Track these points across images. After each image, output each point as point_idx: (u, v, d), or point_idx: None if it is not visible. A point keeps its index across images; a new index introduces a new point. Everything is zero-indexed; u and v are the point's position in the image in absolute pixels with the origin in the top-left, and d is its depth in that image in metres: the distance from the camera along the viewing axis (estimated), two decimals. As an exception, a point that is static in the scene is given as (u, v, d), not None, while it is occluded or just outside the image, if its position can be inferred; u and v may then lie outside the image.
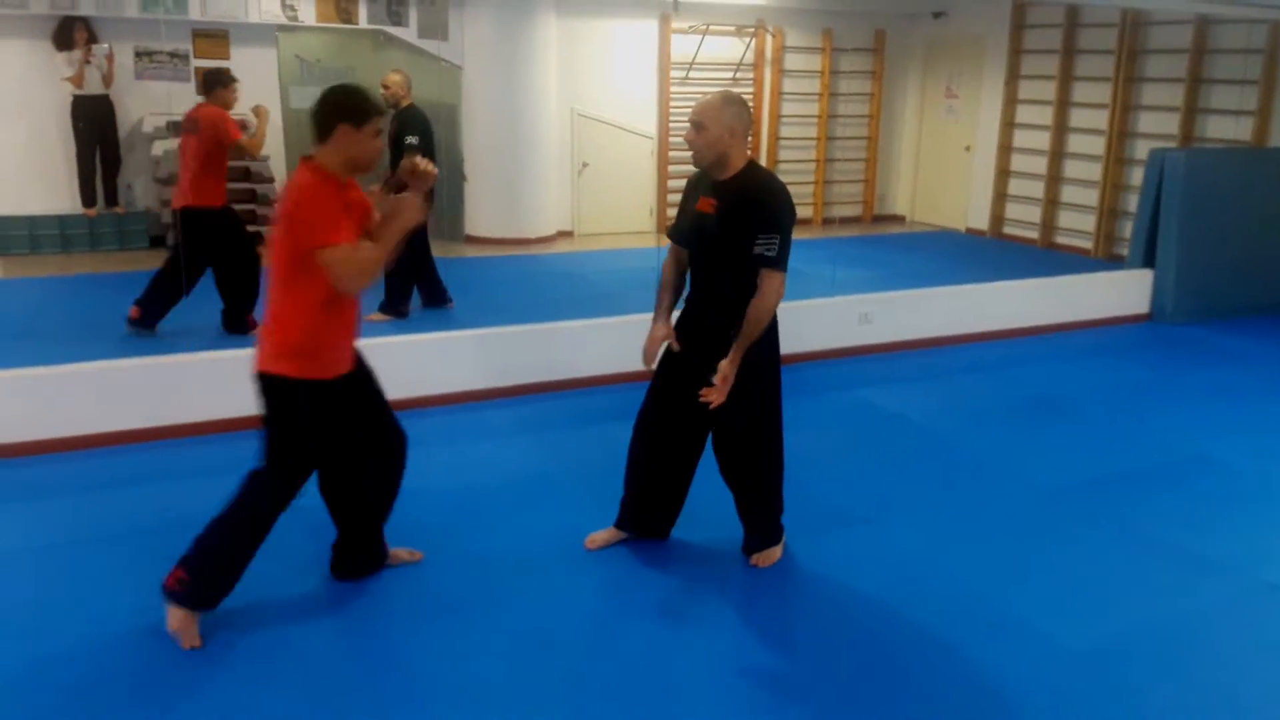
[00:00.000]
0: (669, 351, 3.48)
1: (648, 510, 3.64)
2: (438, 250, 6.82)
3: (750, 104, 10.53)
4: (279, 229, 2.84)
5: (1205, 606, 3.37)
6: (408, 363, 4.93)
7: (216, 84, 6.01)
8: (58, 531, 3.71)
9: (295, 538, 3.39)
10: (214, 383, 4.69)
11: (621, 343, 5.53)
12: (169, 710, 2.71)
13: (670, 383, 3.46)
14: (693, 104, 3.25)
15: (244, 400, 4.69)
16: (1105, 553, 3.74)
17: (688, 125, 3.24)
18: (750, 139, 3.28)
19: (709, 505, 3.76)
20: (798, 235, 3.37)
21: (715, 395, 3.17)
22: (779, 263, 3.17)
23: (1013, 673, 2.97)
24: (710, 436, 3.50)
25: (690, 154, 3.28)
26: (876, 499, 4.16)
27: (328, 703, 2.76)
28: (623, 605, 3.28)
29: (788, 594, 3.41)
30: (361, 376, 3.13)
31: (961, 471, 4.48)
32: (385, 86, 6.39)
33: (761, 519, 3.56)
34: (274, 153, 8.49)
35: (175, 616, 2.97)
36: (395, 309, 6.54)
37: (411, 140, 6.24)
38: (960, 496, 4.21)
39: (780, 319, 3.41)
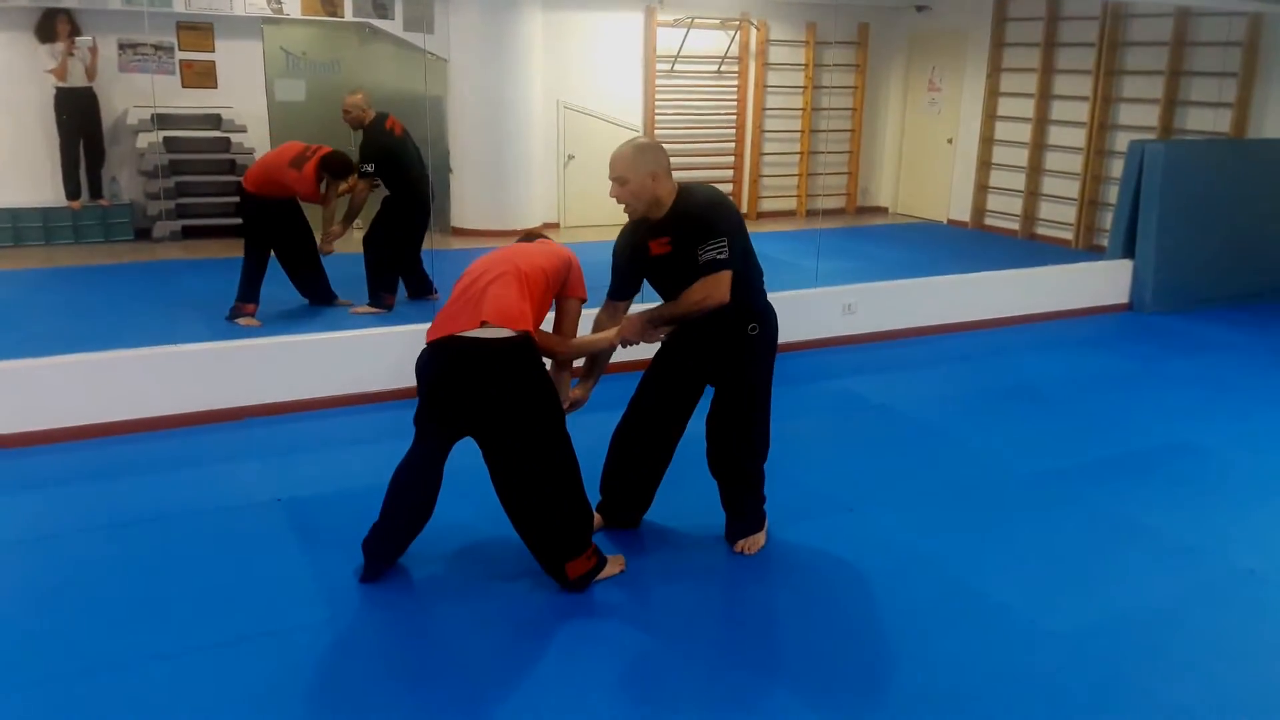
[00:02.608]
0: (664, 349, 3.54)
1: (625, 498, 3.69)
2: (424, 243, 6.83)
3: (734, 97, 10.63)
4: None
5: (1183, 591, 3.43)
6: (393, 354, 4.96)
7: (340, 174, 6.19)
8: (52, 521, 3.73)
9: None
10: (203, 374, 4.72)
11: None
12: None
13: (660, 380, 3.53)
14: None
15: (238, 390, 4.75)
16: (1085, 539, 3.80)
17: (617, 173, 3.21)
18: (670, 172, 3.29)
19: (688, 493, 3.82)
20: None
21: (631, 334, 3.27)
22: (726, 264, 3.17)
23: (995, 656, 3.02)
24: (705, 425, 3.55)
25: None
26: (860, 486, 4.21)
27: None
28: (605, 593, 3.31)
29: (771, 580, 3.45)
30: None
31: (944, 459, 4.54)
32: (346, 110, 6.37)
33: (747, 506, 3.61)
34: (259, 146, 8.47)
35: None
36: (380, 302, 6.54)
37: (366, 168, 6.27)
38: (942, 484, 4.26)
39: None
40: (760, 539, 3.63)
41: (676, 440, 3.60)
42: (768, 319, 3.45)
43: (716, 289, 3.18)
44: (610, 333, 3.39)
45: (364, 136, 6.36)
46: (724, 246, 3.17)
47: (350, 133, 6.56)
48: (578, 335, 3.48)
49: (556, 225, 9.91)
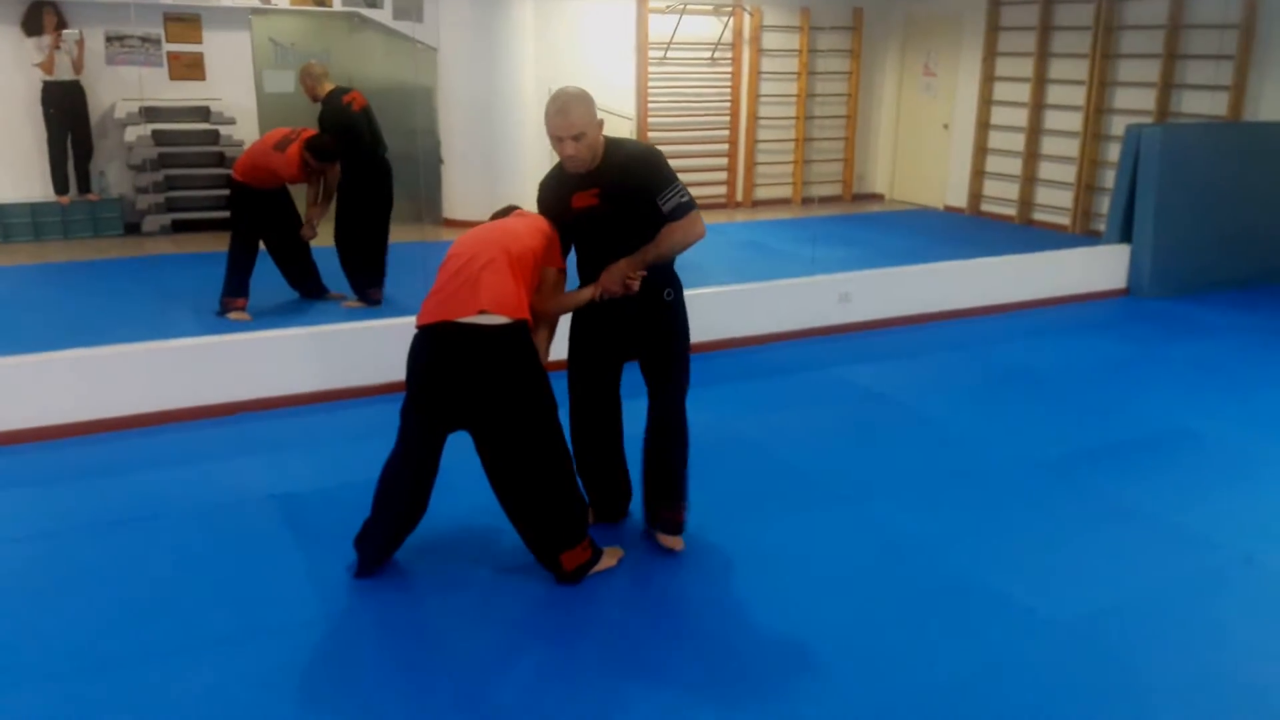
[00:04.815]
0: (577, 333, 3.49)
1: (603, 491, 3.65)
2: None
3: (728, 84, 10.57)
4: None
5: (1185, 578, 3.41)
6: (386, 348, 4.91)
7: (325, 158, 6.10)
8: (41, 520, 3.69)
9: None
10: (195, 369, 4.68)
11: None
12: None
13: (588, 365, 3.48)
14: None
15: (230, 385, 4.71)
16: (1086, 526, 3.77)
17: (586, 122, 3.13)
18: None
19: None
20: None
21: (631, 284, 3.24)
22: (693, 204, 3.25)
23: (996, 646, 3.00)
24: (646, 424, 3.49)
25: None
26: (856, 476, 4.18)
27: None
28: (602, 585, 3.28)
29: (769, 571, 3.42)
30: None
31: (941, 448, 4.51)
32: (301, 81, 6.33)
33: (675, 494, 3.48)
34: (248, 138, 8.40)
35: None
36: (366, 297, 6.46)
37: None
38: (939, 472, 4.23)
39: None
40: (680, 539, 3.50)
41: (620, 417, 3.58)
42: (678, 284, 3.44)
43: (694, 225, 3.26)
44: (589, 289, 3.34)
45: (321, 110, 6.29)
46: (682, 190, 3.24)
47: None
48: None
49: (550, 215, 9.85)
